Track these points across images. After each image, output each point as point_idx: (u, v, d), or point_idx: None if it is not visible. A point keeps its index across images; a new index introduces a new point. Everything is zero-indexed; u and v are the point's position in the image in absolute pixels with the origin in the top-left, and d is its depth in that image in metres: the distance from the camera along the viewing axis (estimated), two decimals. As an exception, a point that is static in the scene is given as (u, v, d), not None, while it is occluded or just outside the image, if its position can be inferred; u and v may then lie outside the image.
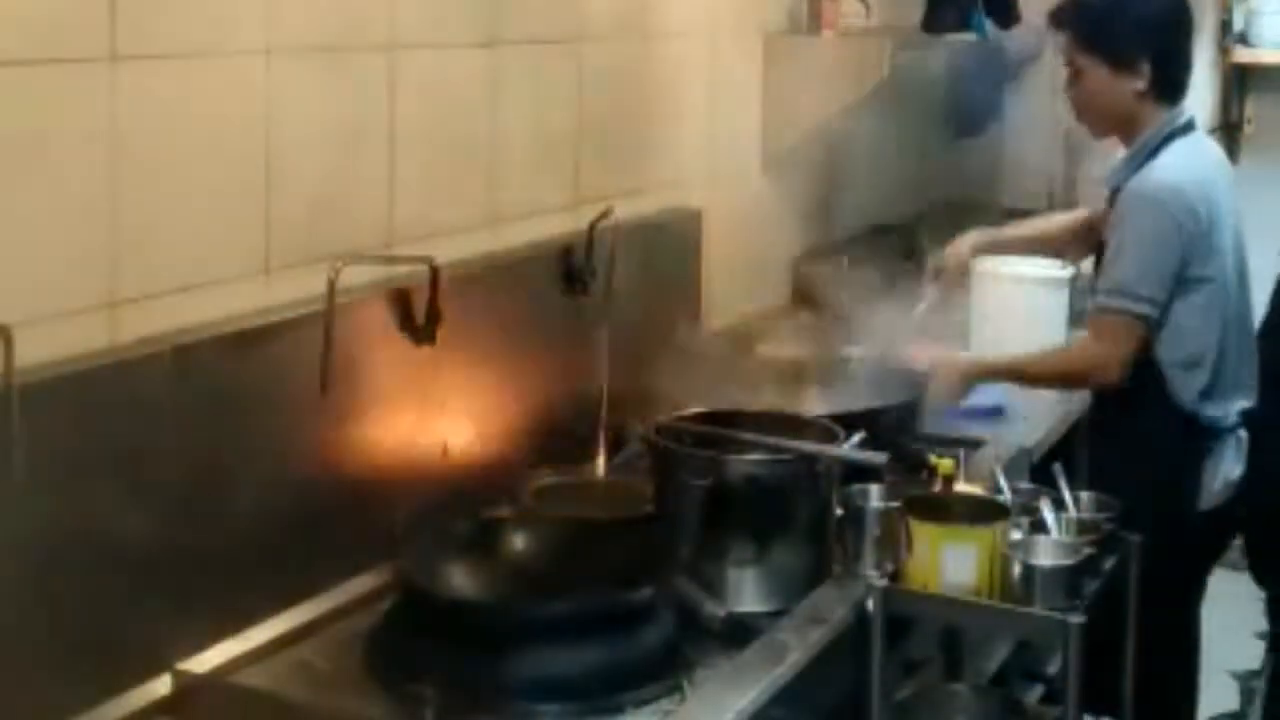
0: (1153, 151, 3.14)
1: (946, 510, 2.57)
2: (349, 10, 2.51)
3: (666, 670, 2.23)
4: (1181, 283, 3.09)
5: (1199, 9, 5.45)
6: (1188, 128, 3.19)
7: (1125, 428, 3.18)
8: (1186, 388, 3.13)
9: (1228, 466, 3.22)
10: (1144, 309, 3.06)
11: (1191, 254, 3.09)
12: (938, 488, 2.71)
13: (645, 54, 3.40)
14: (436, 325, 2.56)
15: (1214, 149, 3.32)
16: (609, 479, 2.95)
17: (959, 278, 3.68)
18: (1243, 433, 3.25)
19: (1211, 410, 3.16)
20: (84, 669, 2.03)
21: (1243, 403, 3.24)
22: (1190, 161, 3.16)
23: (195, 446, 2.17)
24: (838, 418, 2.78)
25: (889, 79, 3.92)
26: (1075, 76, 3.20)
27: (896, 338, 3.53)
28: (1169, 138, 3.16)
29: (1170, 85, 3.18)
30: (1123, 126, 3.21)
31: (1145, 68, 3.13)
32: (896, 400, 3.04)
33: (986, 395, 3.49)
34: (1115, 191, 3.21)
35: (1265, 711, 4.01)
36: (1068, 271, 3.62)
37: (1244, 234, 3.31)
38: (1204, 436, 3.17)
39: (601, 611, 2.24)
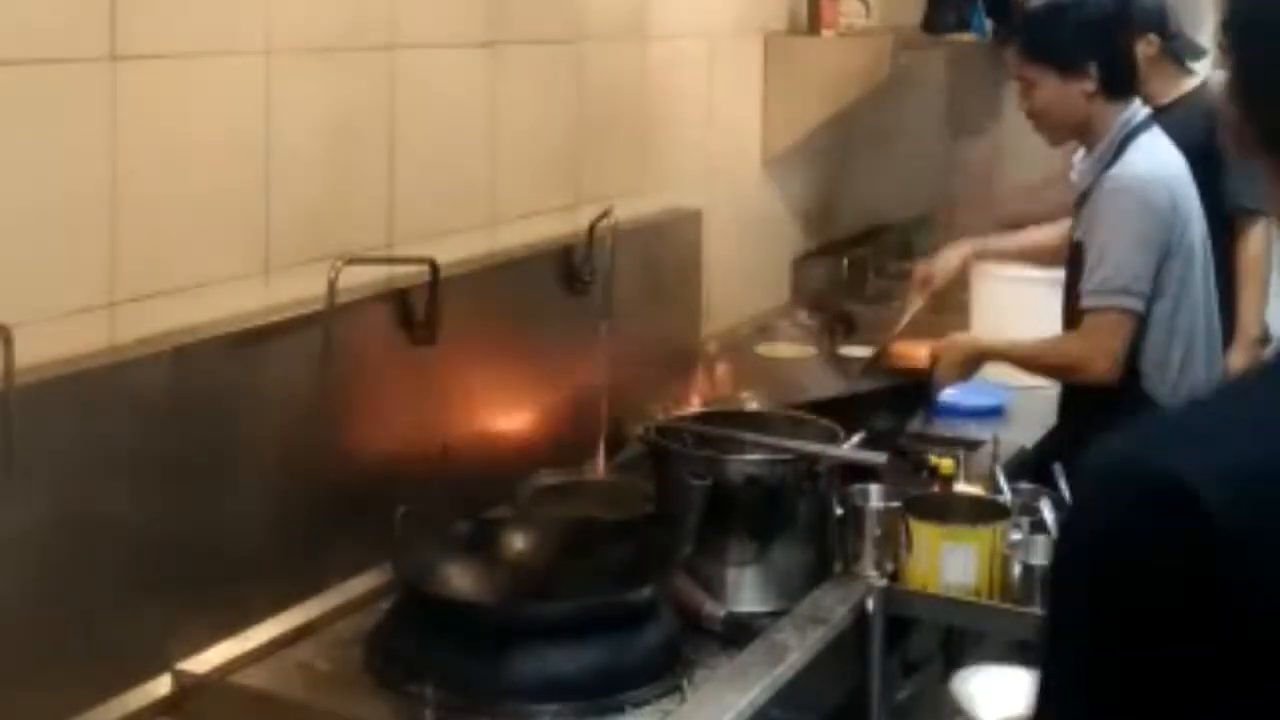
0: (1118, 149, 3.16)
1: (946, 510, 2.57)
2: (349, 10, 2.51)
3: (666, 670, 2.23)
4: (1157, 278, 3.09)
5: (1199, 9, 5.46)
6: (1148, 123, 3.21)
7: (1097, 427, 3.17)
8: (1160, 386, 3.13)
9: None
10: (1131, 303, 3.07)
11: (1167, 247, 3.10)
12: (938, 488, 2.71)
13: (645, 54, 3.40)
14: (436, 325, 2.56)
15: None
16: (609, 479, 2.95)
17: (945, 287, 3.69)
18: None
19: None
20: (84, 669, 2.03)
21: None
22: (1158, 157, 3.17)
23: (195, 446, 2.17)
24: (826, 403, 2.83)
25: (889, 79, 3.92)
26: (1027, 89, 3.23)
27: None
28: (1132, 134, 3.17)
29: (1119, 83, 3.20)
30: (1080, 130, 3.23)
31: (1092, 69, 3.15)
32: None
33: (987, 395, 3.49)
34: (1084, 194, 3.21)
35: None
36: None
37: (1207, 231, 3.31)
38: None
39: (601, 611, 2.23)
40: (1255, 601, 0.92)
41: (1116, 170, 3.14)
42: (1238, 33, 1.19)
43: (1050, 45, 3.19)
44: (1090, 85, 3.16)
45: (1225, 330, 4.05)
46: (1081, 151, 3.27)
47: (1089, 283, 3.11)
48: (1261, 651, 0.93)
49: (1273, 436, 0.98)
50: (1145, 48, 4.11)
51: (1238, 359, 4.17)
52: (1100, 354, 3.09)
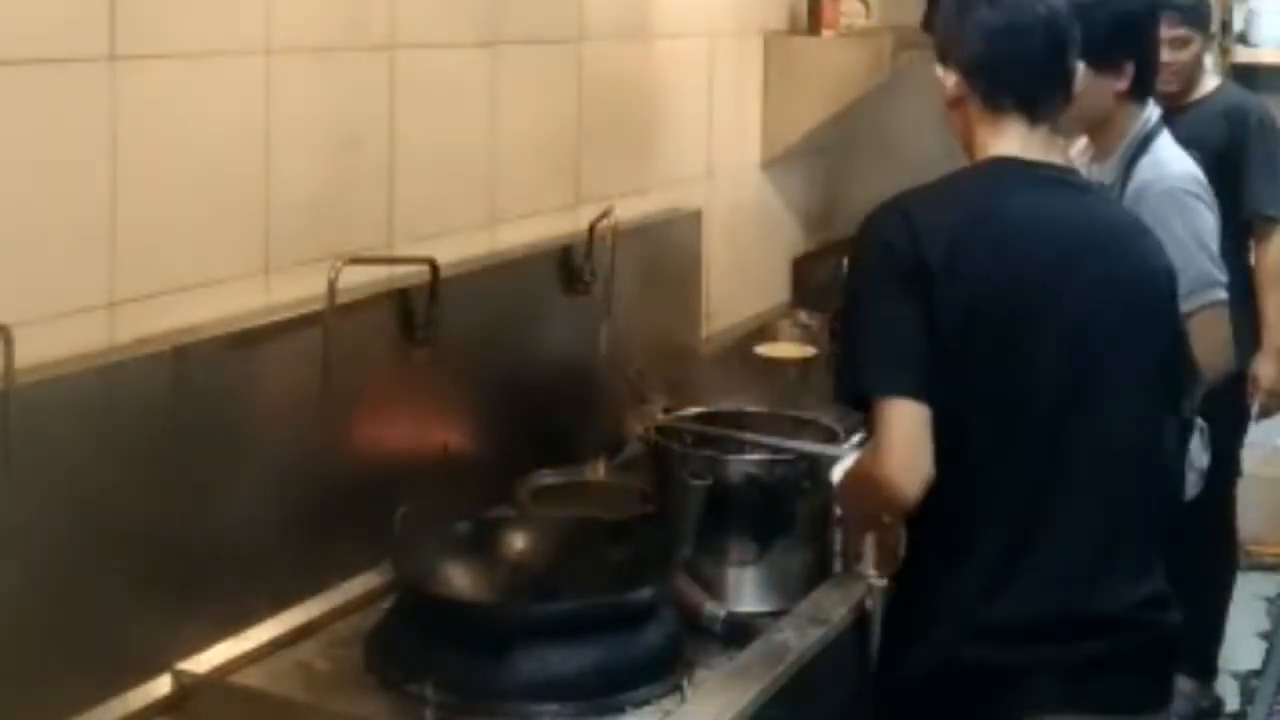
0: (1138, 150, 3.13)
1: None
2: (349, 10, 2.51)
3: (666, 670, 2.23)
4: None
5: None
6: (1160, 126, 3.19)
7: None
8: None
9: (1196, 456, 3.21)
10: (1222, 294, 3.07)
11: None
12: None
13: (645, 54, 3.40)
14: (436, 325, 2.56)
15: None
16: (609, 479, 2.95)
17: None
18: (1201, 421, 3.23)
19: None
20: (84, 669, 2.03)
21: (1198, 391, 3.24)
22: (1184, 161, 3.16)
23: (195, 446, 2.17)
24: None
25: (889, 79, 3.92)
26: None
27: None
28: (1149, 136, 3.15)
29: (1145, 85, 3.18)
30: (1098, 127, 3.19)
31: (1129, 68, 3.12)
32: None
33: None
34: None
35: None
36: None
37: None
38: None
39: (601, 611, 2.23)
40: (934, 264, 2.15)
41: (1156, 172, 3.10)
42: None
43: (1088, 36, 3.14)
44: (1123, 84, 3.13)
45: (1251, 338, 4.04)
46: (1080, 146, 3.24)
47: (1185, 283, 3.07)
48: (935, 283, 2.14)
49: (959, 204, 2.25)
50: (1195, 47, 4.11)
51: (1267, 367, 4.15)
52: (1221, 348, 3.08)
